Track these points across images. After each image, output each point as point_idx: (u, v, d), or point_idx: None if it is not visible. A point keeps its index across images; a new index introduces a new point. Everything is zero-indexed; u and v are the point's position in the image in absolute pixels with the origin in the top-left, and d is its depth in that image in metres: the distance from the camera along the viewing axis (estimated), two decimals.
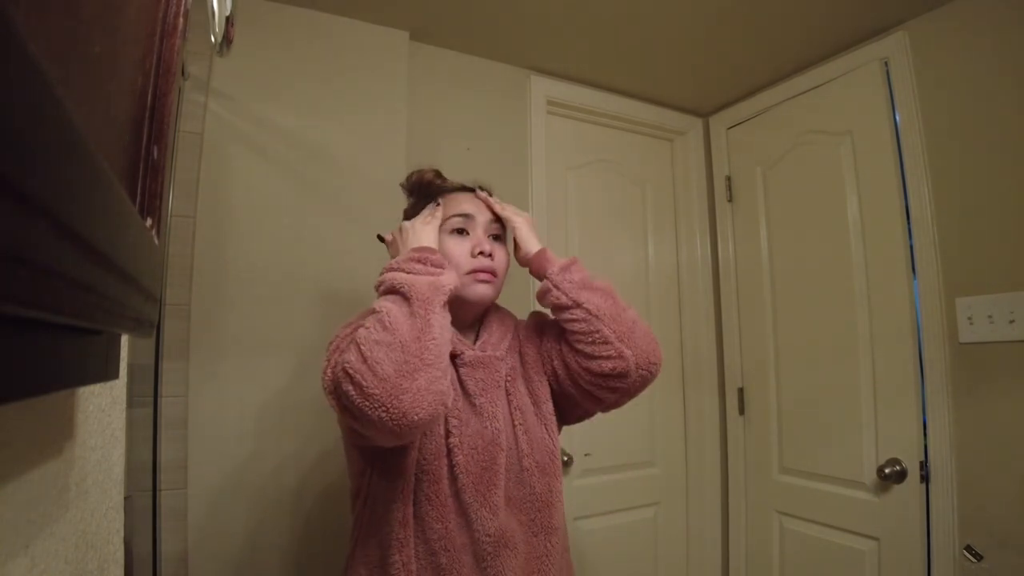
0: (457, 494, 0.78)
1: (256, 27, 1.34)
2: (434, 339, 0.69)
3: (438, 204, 0.89)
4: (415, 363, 0.66)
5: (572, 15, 1.50)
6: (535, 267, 0.89)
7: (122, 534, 0.50)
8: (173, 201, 1.22)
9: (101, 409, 0.43)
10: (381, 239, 0.95)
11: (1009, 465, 1.26)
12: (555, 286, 0.84)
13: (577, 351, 0.84)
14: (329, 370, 0.73)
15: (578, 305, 0.82)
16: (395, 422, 0.64)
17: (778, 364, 1.80)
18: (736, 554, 1.88)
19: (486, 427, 0.82)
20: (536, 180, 1.73)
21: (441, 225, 0.88)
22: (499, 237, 0.93)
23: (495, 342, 0.90)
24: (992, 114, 1.33)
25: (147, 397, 1.16)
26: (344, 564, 0.87)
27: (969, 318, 1.34)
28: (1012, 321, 1.26)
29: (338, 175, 1.42)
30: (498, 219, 0.93)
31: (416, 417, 0.65)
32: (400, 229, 0.87)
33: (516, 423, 0.86)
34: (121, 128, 0.31)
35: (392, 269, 0.77)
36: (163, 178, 0.39)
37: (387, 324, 0.68)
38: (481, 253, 0.87)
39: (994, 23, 1.33)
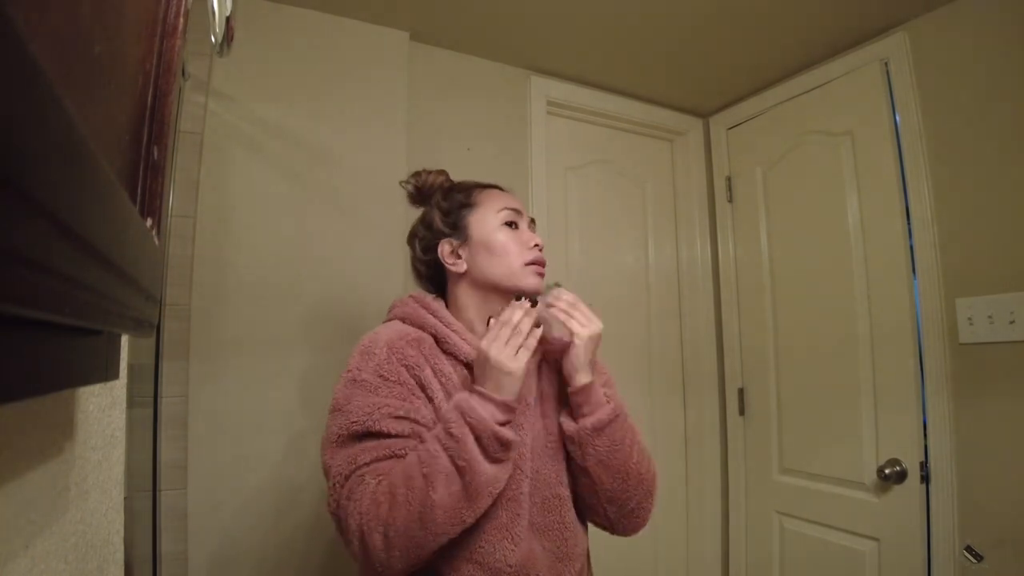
0: (475, 525, 0.73)
1: (256, 27, 1.34)
2: (458, 529, 0.69)
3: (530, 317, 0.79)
4: (429, 547, 0.68)
5: (572, 15, 1.50)
6: (575, 396, 0.80)
7: (122, 534, 0.50)
8: (173, 201, 1.22)
9: (101, 409, 0.43)
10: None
11: (1009, 465, 1.26)
12: (578, 444, 0.79)
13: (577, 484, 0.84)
14: (349, 519, 0.68)
15: (587, 474, 0.80)
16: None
17: (778, 364, 1.80)
18: (736, 554, 1.88)
19: None
20: (536, 180, 1.73)
21: (495, 216, 0.87)
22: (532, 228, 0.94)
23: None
24: (992, 114, 1.33)
25: (147, 397, 1.16)
26: None
27: (969, 318, 1.33)
28: (1012, 321, 1.26)
29: (338, 175, 1.42)
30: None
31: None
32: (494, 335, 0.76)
33: (550, 449, 0.82)
34: (121, 128, 0.31)
35: (470, 421, 0.70)
36: (163, 178, 0.39)
37: (425, 517, 0.66)
38: (536, 246, 0.87)
39: (994, 23, 1.33)
